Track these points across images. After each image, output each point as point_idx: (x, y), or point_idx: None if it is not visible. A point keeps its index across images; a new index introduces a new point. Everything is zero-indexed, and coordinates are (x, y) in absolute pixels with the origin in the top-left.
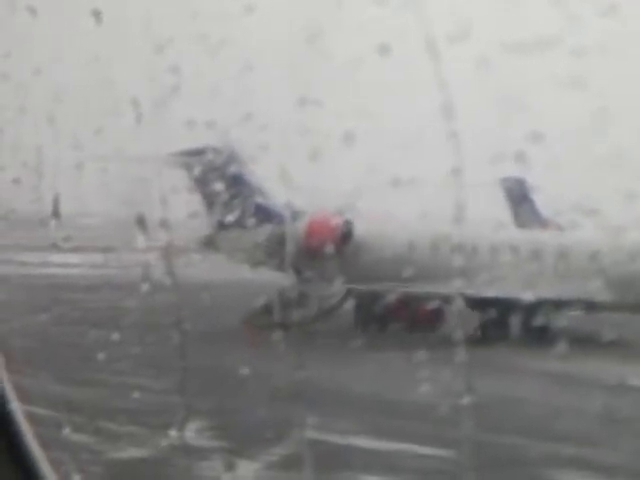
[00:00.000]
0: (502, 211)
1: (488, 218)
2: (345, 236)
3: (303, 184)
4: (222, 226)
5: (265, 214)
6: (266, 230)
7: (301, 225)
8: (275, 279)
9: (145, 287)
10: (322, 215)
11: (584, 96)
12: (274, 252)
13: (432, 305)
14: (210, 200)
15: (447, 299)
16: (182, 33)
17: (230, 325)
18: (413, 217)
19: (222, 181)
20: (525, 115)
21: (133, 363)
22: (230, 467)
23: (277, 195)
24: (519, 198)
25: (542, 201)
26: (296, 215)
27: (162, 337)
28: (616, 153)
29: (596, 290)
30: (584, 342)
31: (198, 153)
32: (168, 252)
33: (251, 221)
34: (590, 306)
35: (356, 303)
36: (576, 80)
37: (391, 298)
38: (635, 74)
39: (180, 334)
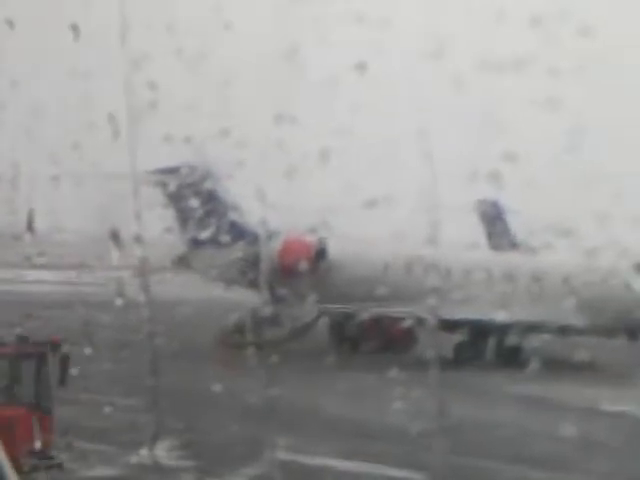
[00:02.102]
0: (476, 233)
1: (462, 240)
2: (319, 254)
3: (278, 202)
4: (196, 243)
5: (239, 231)
6: (240, 248)
7: (276, 243)
8: (248, 297)
9: (119, 303)
10: (297, 233)
11: (559, 116)
12: (248, 270)
13: (405, 325)
14: (184, 216)
15: (420, 320)
16: (159, 48)
17: (202, 343)
18: (387, 237)
19: (197, 197)
20: (500, 134)
21: (104, 380)
22: None
23: (252, 212)
24: (493, 220)
25: (517, 222)
26: (271, 234)
27: (134, 354)
28: (591, 174)
29: (569, 313)
30: (557, 365)
31: (173, 171)
32: (142, 268)
33: (225, 238)
34: (563, 329)
35: (330, 322)
36: (552, 100)
37: (364, 318)
38: (610, 95)
39: (152, 351)
